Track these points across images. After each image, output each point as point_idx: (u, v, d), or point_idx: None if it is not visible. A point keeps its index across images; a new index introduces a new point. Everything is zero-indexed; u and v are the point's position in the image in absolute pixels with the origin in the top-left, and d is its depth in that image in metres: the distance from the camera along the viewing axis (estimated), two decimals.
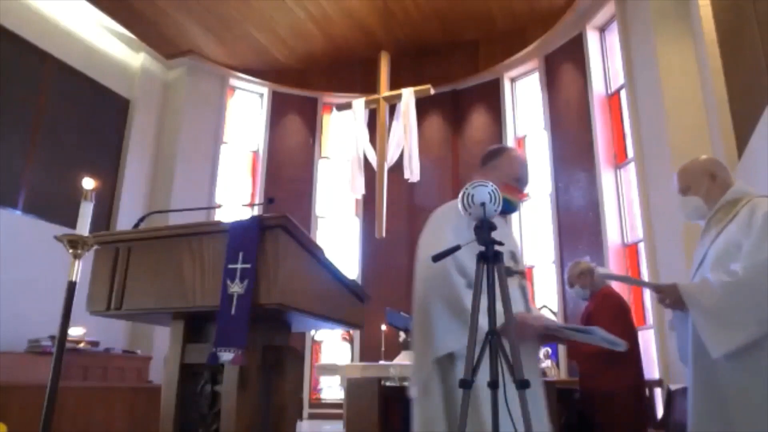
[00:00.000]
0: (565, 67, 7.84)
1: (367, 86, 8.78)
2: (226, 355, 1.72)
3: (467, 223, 1.88)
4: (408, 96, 8.27)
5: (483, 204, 1.81)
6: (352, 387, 4.38)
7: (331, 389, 8.40)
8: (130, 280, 1.90)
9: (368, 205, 8.65)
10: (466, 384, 1.80)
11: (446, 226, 1.99)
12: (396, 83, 8.53)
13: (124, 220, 7.09)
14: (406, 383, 4.99)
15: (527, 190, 2.20)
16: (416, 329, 1.95)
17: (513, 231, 8.08)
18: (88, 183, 2.47)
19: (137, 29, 7.65)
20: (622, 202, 6.85)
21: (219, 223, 1.86)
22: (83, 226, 2.42)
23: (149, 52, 8.01)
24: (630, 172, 6.71)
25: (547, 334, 1.97)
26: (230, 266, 1.75)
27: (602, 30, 7.50)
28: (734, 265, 2.02)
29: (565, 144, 7.68)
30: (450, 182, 8.61)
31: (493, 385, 2.25)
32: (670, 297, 2.16)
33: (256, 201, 8.63)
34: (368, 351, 7.85)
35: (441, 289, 1.87)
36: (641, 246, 6.36)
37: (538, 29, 8.00)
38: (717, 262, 2.13)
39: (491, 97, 8.72)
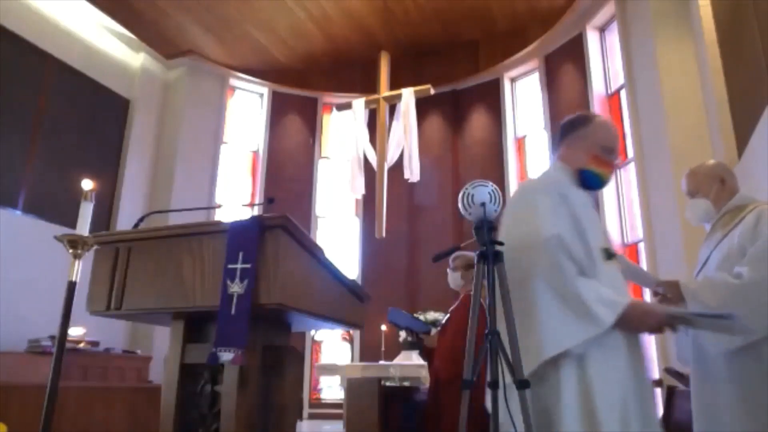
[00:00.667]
0: (565, 67, 7.84)
1: (367, 86, 8.79)
2: (226, 355, 1.72)
3: (560, 200, 1.71)
4: (408, 96, 8.27)
5: (483, 204, 1.80)
6: (352, 387, 4.38)
7: (331, 389, 8.40)
8: (130, 280, 1.90)
9: (368, 205, 8.65)
10: (466, 384, 1.79)
11: (543, 206, 1.71)
12: (396, 83, 8.53)
13: (124, 220, 7.09)
14: (406, 383, 4.99)
15: (617, 160, 1.91)
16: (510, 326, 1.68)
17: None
18: (88, 183, 2.47)
19: (137, 29, 7.65)
20: (622, 202, 6.85)
21: (219, 223, 1.86)
22: (83, 226, 2.42)
23: (149, 52, 8.01)
24: (630, 172, 6.71)
25: (669, 323, 1.70)
26: (230, 266, 1.74)
27: (602, 30, 7.50)
28: (739, 268, 2.05)
29: None
30: (450, 182, 8.61)
31: (494, 385, 2.24)
32: (671, 293, 2.18)
33: (256, 201, 8.63)
34: (368, 351, 7.85)
35: (550, 278, 1.61)
36: (641, 246, 6.36)
37: (538, 29, 8.00)
38: (721, 264, 2.16)
39: (491, 97, 8.72)
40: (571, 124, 1.97)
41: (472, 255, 3.38)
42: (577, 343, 1.55)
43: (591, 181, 1.87)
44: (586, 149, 1.87)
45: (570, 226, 1.66)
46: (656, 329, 1.67)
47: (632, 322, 1.62)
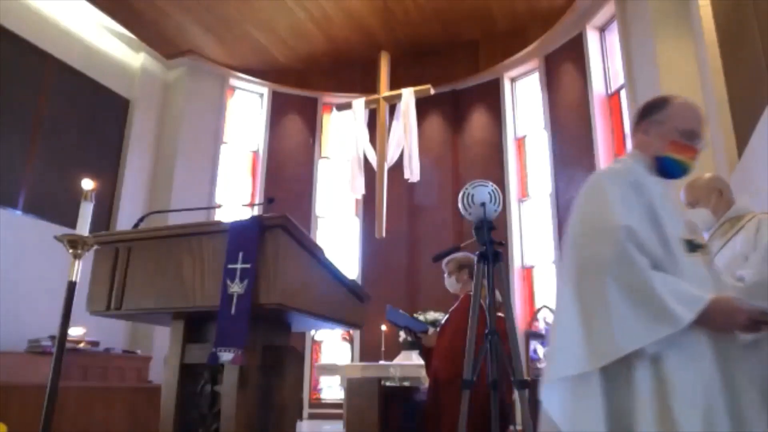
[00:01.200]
0: (565, 67, 7.84)
1: (367, 86, 8.78)
2: (226, 355, 1.72)
3: (632, 190, 1.59)
4: (408, 96, 8.27)
5: (483, 204, 1.81)
6: (352, 387, 4.38)
7: (331, 389, 8.40)
8: (130, 280, 1.90)
9: (368, 205, 8.65)
10: (466, 384, 1.79)
11: (612, 195, 1.59)
12: (396, 83, 8.53)
13: (124, 220, 7.09)
14: (406, 383, 4.99)
15: (701, 145, 1.72)
16: (572, 320, 1.54)
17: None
18: (88, 183, 2.47)
19: (137, 29, 7.65)
20: None
21: (219, 223, 1.86)
22: (83, 226, 2.42)
23: (149, 52, 8.01)
24: None
25: (761, 320, 1.51)
26: (230, 266, 1.75)
27: (602, 30, 7.50)
28: (741, 271, 2.15)
29: (565, 144, 7.68)
30: (450, 182, 8.60)
31: (494, 385, 2.23)
32: None
33: (256, 201, 8.63)
34: (368, 351, 7.85)
35: (618, 272, 1.48)
36: None
37: (538, 29, 8.00)
38: (722, 270, 2.25)
39: (491, 97, 8.72)
40: (646, 108, 1.80)
41: (462, 255, 3.40)
42: (648, 343, 1.42)
43: (670, 169, 1.71)
44: (663, 135, 1.71)
45: (644, 217, 1.55)
46: (749, 327, 1.49)
47: (716, 320, 1.45)
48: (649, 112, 1.78)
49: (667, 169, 1.71)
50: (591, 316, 1.50)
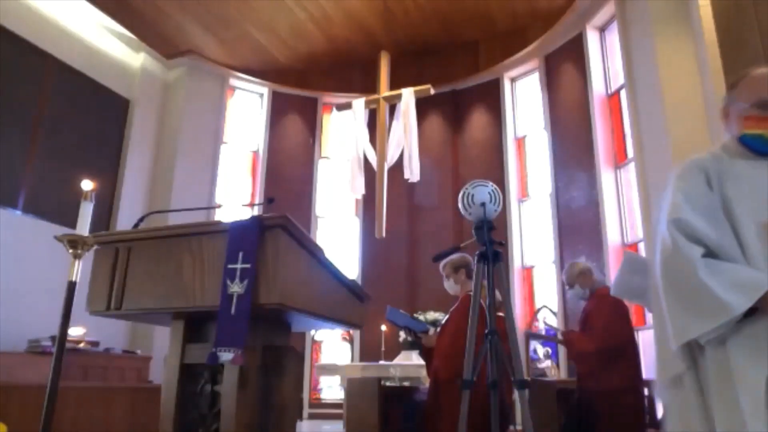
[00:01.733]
0: (565, 67, 7.84)
1: (367, 86, 8.78)
2: (226, 355, 1.72)
3: (698, 179, 1.54)
4: (408, 96, 8.26)
5: (483, 204, 1.81)
6: (352, 387, 4.38)
7: (331, 389, 8.40)
8: (130, 280, 1.90)
9: (368, 205, 8.65)
10: (466, 384, 1.79)
11: (674, 191, 1.54)
12: (396, 83, 8.52)
13: (124, 220, 7.09)
14: (406, 383, 5.00)
15: None
16: (655, 315, 1.56)
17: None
18: (88, 184, 2.48)
19: (137, 29, 7.65)
20: (622, 202, 6.86)
21: (219, 223, 1.86)
22: (83, 226, 2.42)
23: (149, 52, 8.01)
24: (630, 172, 6.72)
25: None
26: (230, 266, 1.75)
27: (602, 30, 7.51)
28: None
29: (565, 144, 7.68)
30: (450, 182, 8.61)
31: (493, 385, 2.23)
32: None
33: (256, 201, 8.63)
34: (368, 351, 7.85)
35: (669, 263, 1.47)
36: (641, 246, 6.37)
37: (538, 29, 8.00)
38: None
39: (491, 97, 8.72)
40: (726, 90, 1.72)
41: (457, 257, 3.41)
42: (697, 336, 1.39)
43: (754, 146, 1.60)
44: (737, 113, 1.63)
45: (708, 206, 1.50)
46: None
47: None
48: (726, 95, 1.71)
49: (751, 147, 1.61)
50: (660, 312, 1.50)
